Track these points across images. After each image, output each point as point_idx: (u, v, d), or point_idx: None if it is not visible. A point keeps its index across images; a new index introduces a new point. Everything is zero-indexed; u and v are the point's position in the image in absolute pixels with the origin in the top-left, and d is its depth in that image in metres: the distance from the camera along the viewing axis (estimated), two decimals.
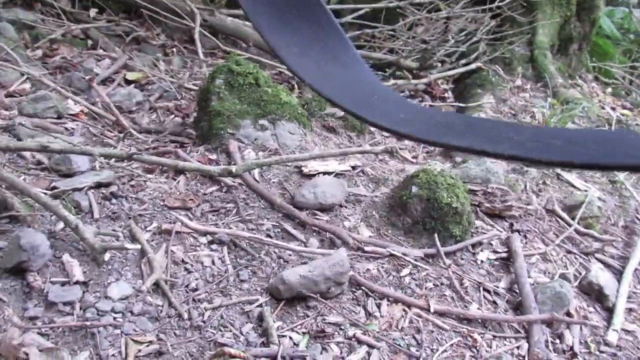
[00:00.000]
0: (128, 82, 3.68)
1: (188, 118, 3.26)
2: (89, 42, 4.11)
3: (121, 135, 2.74)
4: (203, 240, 2.05)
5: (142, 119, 3.20)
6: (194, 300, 1.77)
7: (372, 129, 3.73)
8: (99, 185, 2.22)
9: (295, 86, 4.28)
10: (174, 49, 4.54)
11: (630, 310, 2.46)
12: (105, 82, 3.58)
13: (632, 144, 0.46)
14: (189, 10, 4.15)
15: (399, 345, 1.83)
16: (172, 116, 3.34)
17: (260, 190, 2.38)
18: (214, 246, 2.04)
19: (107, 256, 1.79)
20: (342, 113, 3.26)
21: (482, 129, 0.55)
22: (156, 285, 1.76)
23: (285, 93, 2.94)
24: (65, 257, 1.76)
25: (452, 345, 1.92)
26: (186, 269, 1.89)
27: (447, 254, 2.32)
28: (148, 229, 2.04)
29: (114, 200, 2.16)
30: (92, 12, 4.48)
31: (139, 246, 1.82)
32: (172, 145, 2.80)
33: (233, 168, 2.14)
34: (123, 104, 3.27)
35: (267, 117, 2.80)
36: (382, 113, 0.62)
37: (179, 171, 2.37)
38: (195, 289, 1.82)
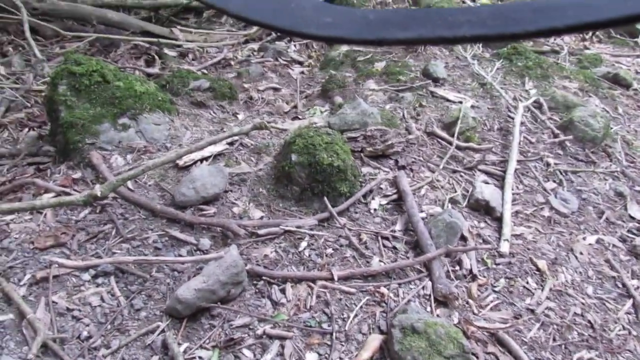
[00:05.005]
0: None
1: (45, 126, 2.98)
2: None
3: None
4: (86, 276, 1.92)
5: None
6: (89, 350, 1.68)
7: (247, 85, 3.60)
8: None
9: (157, 57, 4.02)
10: (11, 47, 4.08)
11: (517, 213, 2.62)
12: None
13: None
14: (12, 2, 3.69)
15: (310, 326, 1.85)
16: (27, 130, 3.04)
17: (137, 199, 2.25)
18: (99, 280, 1.92)
19: None
20: (207, 84, 3.10)
21: (431, 18, 0.51)
22: (45, 347, 1.65)
23: (140, 82, 2.73)
24: None
25: (361, 307, 1.96)
26: (74, 317, 1.77)
27: (341, 213, 2.34)
28: (22, 282, 1.88)
29: None
30: None
31: (10, 315, 1.67)
32: (32, 169, 2.56)
33: (98, 191, 1.98)
34: None
35: (127, 114, 2.60)
36: (305, 21, 0.55)
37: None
38: (89, 337, 1.72)
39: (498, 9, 0.48)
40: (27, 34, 3.36)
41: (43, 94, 3.26)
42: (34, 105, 3.27)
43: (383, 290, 2.04)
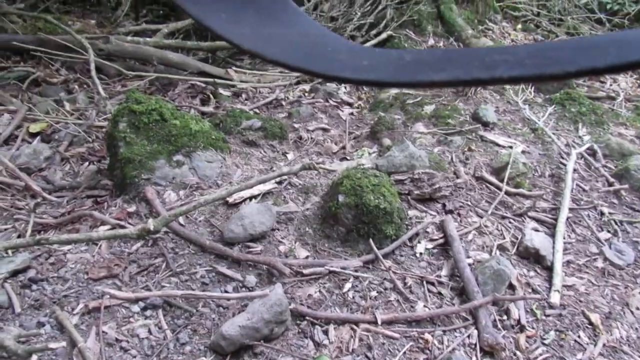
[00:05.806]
0: (32, 135, 3.48)
1: (104, 160, 3.13)
2: None
3: (32, 204, 2.60)
4: (135, 308, 1.98)
5: (55, 175, 3.05)
6: None
7: (296, 124, 3.68)
8: (15, 273, 2.10)
9: (212, 97, 4.17)
10: (77, 84, 4.33)
11: (568, 262, 2.54)
12: (8, 141, 3.38)
13: None
14: (81, 44, 3.93)
15: None
16: (87, 164, 3.20)
17: (187, 235, 2.32)
18: (148, 312, 1.98)
19: (34, 358, 1.71)
20: (259, 124, 3.19)
21: (467, 58, 0.49)
22: None
23: (195, 120, 2.84)
24: None
25: (404, 353, 1.93)
26: (122, 348, 1.82)
27: (386, 256, 2.33)
28: (75, 311, 1.95)
29: (34, 287, 2.05)
30: None
31: (63, 343, 1.73)
32: (90, 202, 2.68)
33: (151, 226, 2.05)
34: (31, 164, 3.09)
35: (181, 151, 2.71)
36: (341, 64, 0.54)
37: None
38: None
39: (536, 48, 0.47)
40: (93, 73, 3.56)
41: (104, 130, 3.43)
42: (95, 141, 3.44)
43: (427, 336, 2.01)
